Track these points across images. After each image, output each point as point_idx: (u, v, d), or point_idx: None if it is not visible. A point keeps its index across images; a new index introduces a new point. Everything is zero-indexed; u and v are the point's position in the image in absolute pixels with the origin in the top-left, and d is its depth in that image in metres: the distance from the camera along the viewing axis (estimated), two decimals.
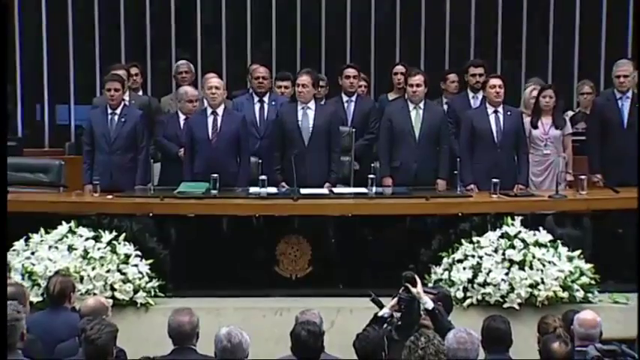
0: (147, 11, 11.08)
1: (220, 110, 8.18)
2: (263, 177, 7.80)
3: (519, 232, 7.34)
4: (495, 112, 8.19)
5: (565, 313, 5.99)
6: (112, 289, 7.12)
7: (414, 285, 5.80)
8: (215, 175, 7.69)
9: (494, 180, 7.70)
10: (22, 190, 8.02)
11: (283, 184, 8.09)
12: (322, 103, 8.83)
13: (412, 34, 11.23)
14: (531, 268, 7.17)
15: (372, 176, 7.82)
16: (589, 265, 7.32)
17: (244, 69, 10.08)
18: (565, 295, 7.15)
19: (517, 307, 7.12)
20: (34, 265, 7.13)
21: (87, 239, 7.26)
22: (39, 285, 6.98)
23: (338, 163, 8.29)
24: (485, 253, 7.25)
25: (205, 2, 11.21)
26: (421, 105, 8.26)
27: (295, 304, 6.88)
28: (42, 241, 7.29)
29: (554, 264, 7.21)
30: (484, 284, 7.16)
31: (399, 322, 5.77)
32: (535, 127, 8.39)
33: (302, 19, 11.24)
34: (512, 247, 7.25)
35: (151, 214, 7.56)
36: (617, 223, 7.79)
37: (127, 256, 7.27)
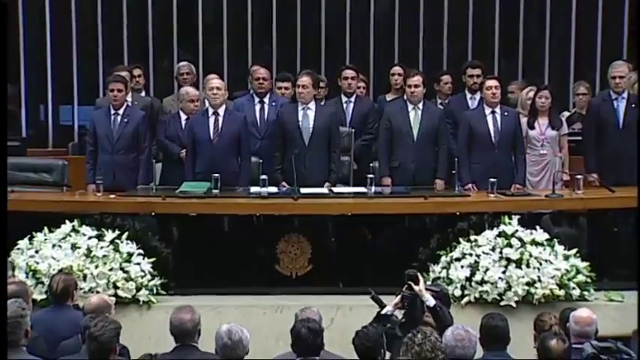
0: (149, 13, 11.06)
1: (221, 111, 8.20)
2: (264, 177, 7.80)
3: (516, 230, 7.35)
4: (493, 112, 8.22)
5: (562, 311, 5.99)
6: (115, 287, 7.14)
7: (417, 283, 5.82)
8: (216, 174, 7.72)
9: (492, 180, 7.72)
10: (26, 190, 8.06)
11: (284, 183, 8.11)
12: (322, 103, 8.84)
13: (410, 36, 11.21)
14: (528, 266, 7.19)
15: (371, 176, 7.83)
16: (585, 264, 7.33)
17: (245, 70, 10.08)
18: (561, 293, 7.17)
19: (514, 304, 7.13)
20: (37, 263, 7.15)
21: (90, 238, 7.28)
22: (43, 283, 6.99)
23: (338, 163, 8.32)
24: (483, 252, 7.27)
25: (206, 4, 11.19)
26: (420, 105, 8.29)
27: (295, 301, 6.91)
28: (46, 239, 7.30)
29: (551, 262, 7.23)
30: (482, 282, 7.18)
31: (403, 320, 5.79)
32: (532, 127, 8.40)
33: (302, 21, 11.22)
34: (510, 245, 7.26)
35: (153, 214, 7.59)
36: (612, 222, 7.83)
37: (130, 255, 7.29)
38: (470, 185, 8.12)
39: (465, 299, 7.21)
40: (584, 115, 8.99)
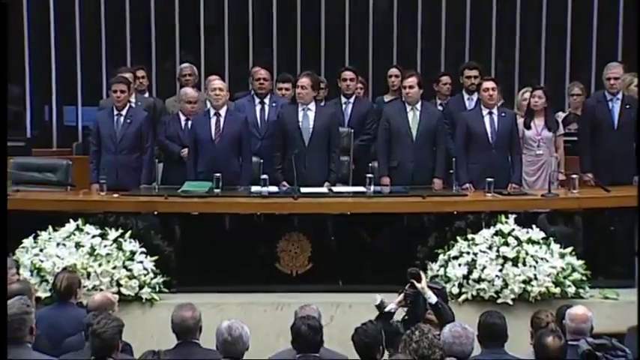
0: (151, 15, 11.08)
1: (223, 111, 8.23)
2: (264, 176, 7.83)
3: (513, 229, 7.40)
4: (490, 113, 8.22)
5: (558, 309, 5.97)
6: (118, 285, 7.18)
7: (419, 281, 5.89)
8: (218, 174, 7.75)
9: (489, 179, 7.75)
10: (30, 189, 8.08)
11: (284, 183, 8.12)
12: (322, 104, 8.86)
13: (409, 38, 11.21)
14: (524, 264, 7.23)
15: (370, 175, 7.87)
16: (580, 262, 7.38)
17: (246, 71, 10.07)
18: (557, 290, 7.22)
19: (511, 302, 7.18)
20: (42, 261, 7.19)
21: (93, 237, 7.32)
22: (47, 281, 7.01)
23: (337, 163, 8.34)
24: (480, 250, 7.32)
25: (208, 6, 11.20)
26: (418, 106, 8.30)
27: (295, 299, 6.93)
28: (50, 238, 7.35)
29: (547, 261, 7.27)
30: (479, 280, 7.23)
31: (406, 317, 5.86)
32: (528, 128, 8.44)
33: (302, 23, 11.23)
34: (506, 244, 7.31)
35: (155, 213, 7.63)
36: (607, 221, 7.87)
37: (133, 253, 7.33)
38: (467, 185, 8.14)
39: (463, 297, 7.25)
40: (579, 116, 9.01)
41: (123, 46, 11.05)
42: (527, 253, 7.28)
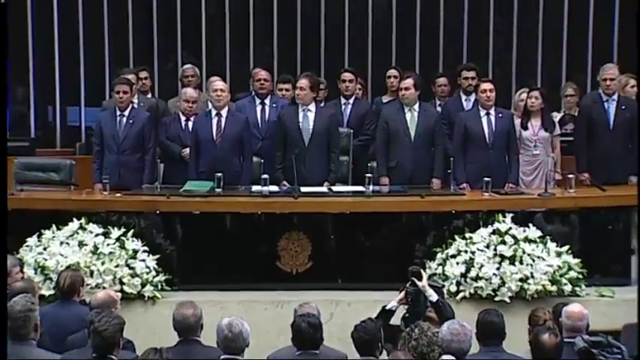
0: (154, 17, 11.07)
1: (224, 112, 8.27)
2: (265, 176, 7.86)
3: (510, 228, 7.44)
4: (487, 114, 8.24)
5: (555, 306, 6.00)
6: (121, 283, 7.21)
7: (420, 279, 5.94)
8: (219, 174, 7.79)
9: (486, 179, 7.79)
10: (34, 189, 8.14)
11: (284, 182, 8.16)
12: (322, 105, 8.89)
13: (407, 39, 11.22)
14: (521, 263, 7.27)
15: (369, 175, 7.89)
16: (577, 260, 7.42)
17: (247, 72, 10.07)
18: (554, 288, 7.25)
19: (508, 300, 7.21)
20: (46, 260, 7.24)
21: (97, 235, 7.36)
22: (51, 279, 7.06)
23: (337, 163, 8.37)
24: (478, 249, 7.35)
25: (209, 7, 11.20)
26: (416, 107, 8.32)
27: (296, 297, 6.93)
28: (54, 237, 7.39)
29: (544, 259, 7.31)
30: (476, 278, 7.27)
31: (407, 314, 5.90)
32: (525, 128, 8.44)
33: (302, 24, 11.23)
34: (504, 243, 7.35)
35: (157, 212, 7.66)
36: (603, 220, 7.90)
37: (135, 252, 7.36)
38: (465, 184, 8.16)
39: (460, 295, 7.28)
40: (573, 116, 9.07)
41: (126, 47, 11.05)
42: (524, 252, 7.32)
